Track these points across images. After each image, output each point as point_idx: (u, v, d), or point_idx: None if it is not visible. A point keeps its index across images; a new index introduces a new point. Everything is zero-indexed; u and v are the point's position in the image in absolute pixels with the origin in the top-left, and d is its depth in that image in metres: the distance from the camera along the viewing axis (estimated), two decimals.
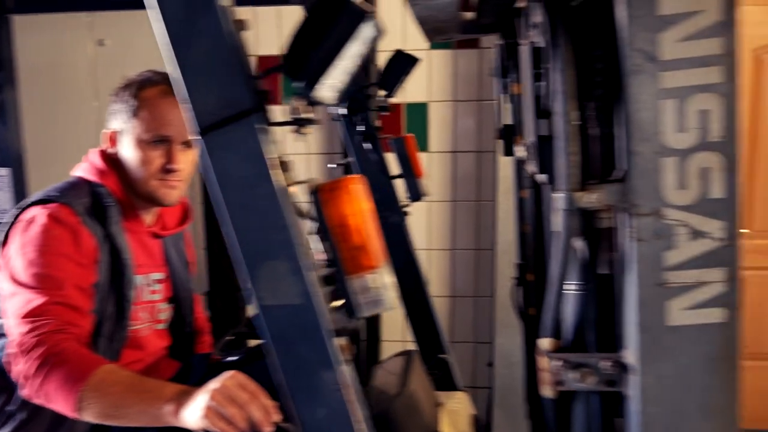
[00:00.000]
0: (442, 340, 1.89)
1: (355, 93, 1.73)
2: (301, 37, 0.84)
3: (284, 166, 0.91)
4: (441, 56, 3.13)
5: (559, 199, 1.05)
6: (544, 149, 1.08)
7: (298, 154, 3.18)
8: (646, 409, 1.08)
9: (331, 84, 0.88)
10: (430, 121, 3.17)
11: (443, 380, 1.88)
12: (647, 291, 1.04)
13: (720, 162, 1.01)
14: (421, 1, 1.04)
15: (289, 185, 0.90)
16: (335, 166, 1.89)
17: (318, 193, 0.91)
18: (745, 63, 3.04)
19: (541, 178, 1.11)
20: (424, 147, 3.18)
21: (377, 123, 1.79)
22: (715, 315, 1.05)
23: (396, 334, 3.15)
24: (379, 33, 0.91)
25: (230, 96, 0.88)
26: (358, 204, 0.91)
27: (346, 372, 0.94)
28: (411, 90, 3.17)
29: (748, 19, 3.00)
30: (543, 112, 1.06)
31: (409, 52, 3.10)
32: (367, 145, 1.75)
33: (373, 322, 3.17)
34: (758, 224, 3.13)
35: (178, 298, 1.70)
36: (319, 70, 0.83)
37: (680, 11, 0.97)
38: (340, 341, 0.94)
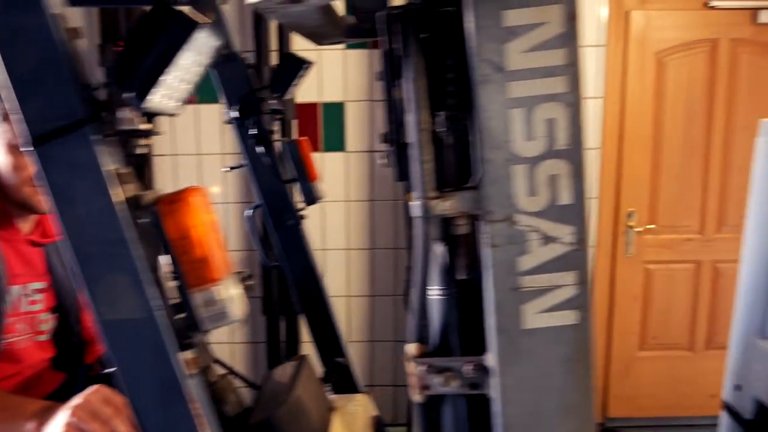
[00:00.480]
0: (341, 343, 1.89)
1: (247, 96, 1.71)
2: (131, 47, 0.82)
3: (123, 177, 0.89)
4: (357, 56, 3.13)
5: (414, 207, 1.06)
6: (402, 157, 1.09)
7: (212, 153, 3.14)
8: (506, 410, 1.10)
9: (168, 94, 0.86)
10: (347, 120, 3.17)
11: (343, 383, 1.88)
12: (503, 295, 1.06)
13: (567, 169, 1.03)
14: (279, 9, 1.03)
15: (128, 197, 0.88)
16: (228, 169, 1.87)
17: (158, 205, 0.89)
18: (649, 65, 3.15)
19: (402, 185, 1.12)
20: (341, 147, 3.19)
21: (271, 126, 1.77)
22: (568, 317, 1.07)
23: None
24: (223, 42, 0.90)
25: (62, 106, 0.85)
26: (200, 216, 0.90)
27: (193, 387, 0.93)
28: (327, 90, 3.17)
29: (651, 23, 3.11)
30: (399, 119, 1.07)
31: (326, 51, 3.10)
32: (260, 149, 1.73)
33: (293, 325, 3.16)
34: (662, 220, 3.24)
35: (63, 308, 1.65)
36: (149, 80, 0.81)
37: (525, 23, 0.99)
38: (187, 355, 0.93)
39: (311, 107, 3.16)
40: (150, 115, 0.86)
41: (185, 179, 3.18)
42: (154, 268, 0.91)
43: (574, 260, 1.06)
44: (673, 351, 3.38)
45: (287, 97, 1.77)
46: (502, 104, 1.01)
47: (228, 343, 3.30)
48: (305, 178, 1.78)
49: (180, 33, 0.82)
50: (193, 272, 0.90)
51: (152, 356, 0.90)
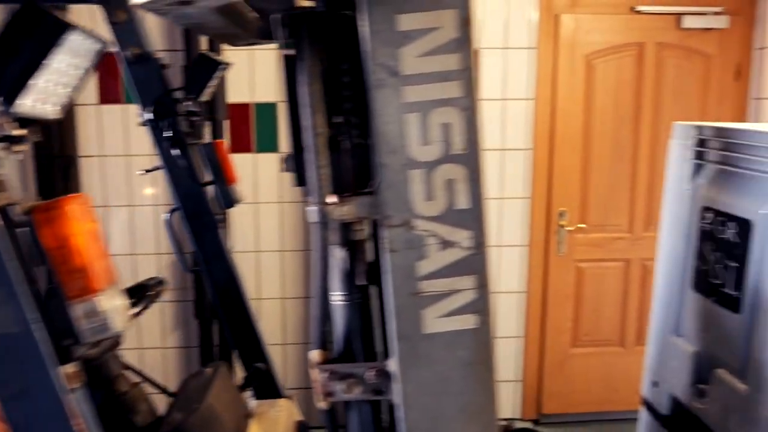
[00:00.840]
0: (262, 347, 1.87)
1: (161, 97, 1.67)
2: None
3: None
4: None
5: (311, 212, 1.05)
6: (300, 162, 1.07)
7: (141, 155, 3.06)
8: (408, 415, 1.10)
9: (42, 98, 0.83)
10: (281, 121, 3.13)
11: (266, 389, 1.85)
12: (402, 300, 1.06)
13: (464, 173, 1.03)
14: (170, 10, 1.00)
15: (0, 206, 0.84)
16: (143, 172, 1.82)
17: (33, 214, 0.86)
18: (579, 68, 3.20)
19: (302, 190, 1.10)
20: (274, 148, 3.15)
21: (187, 128, 1.73)
22: (468, 321, 1.08)
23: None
24: (104, 45, 0.87)
25: None
26: (79, 225, 0.86)
27: (76, 401, 0.90)
28: (260, 90, 3.12)
29: (580, 27, 3.17)
30: (296, 124, 1.05)
31: (259, 51, 3.06)
32: (176, 151, 1.69)
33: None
34: (593, 220, 3.31)
35: None
36: (17, 85, 0.78)
37: (419, 27, 0.99)
38: (68, 369, 0.89)
39: (243, 108, 3.11)
40: (25, 121, 0.82)
41: (113, 181, 3.09)
42: (31, 279, 0.87)
43: (473, 264, 1.07)
44: (605, 347, 3.45)
45: (203, 98, 1.73)
46: (398, 108, 1.01)
47: (160, 348, 3.23)
48: (222, 180, 1.74)
49: (50, 35, 0.78)
50: (72, 283, 0.86)
51: (29, 371, 0.86)
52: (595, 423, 3.49)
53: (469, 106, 1.01)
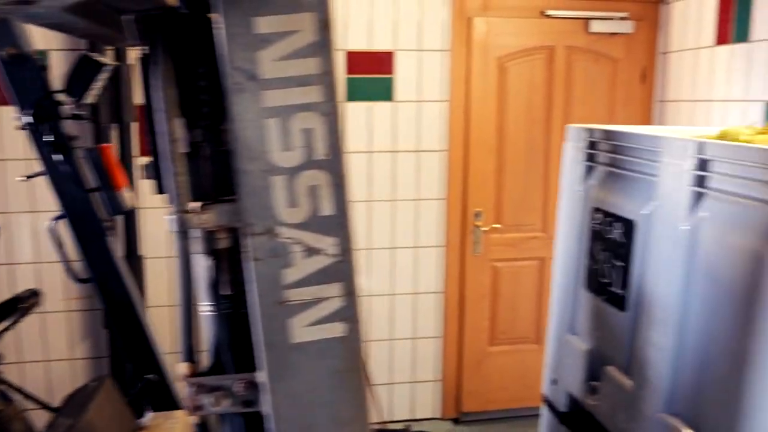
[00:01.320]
0: (157, 358, 1.81)
1: (41, 100, 1.59)
2: None
3: None
4: None
5: (171, 221, 1.01)
6: (159, 169, 1.03)
7: (16, 159, 2.92)
8: (279, 426, 1.07)
9: None
10: None
11: (162, 400, 1.79)
12: (269, 309, 1.03)
13: (327, 179, 1.01)
14: (15, 10, 0.95)
15: None
16: (24, 178, 1.73)
17: None
18: (492, 70, 3.24)
19: (163, 198, 1.06)
20: None
21: (70, 131, 1.65)
22: (336, 330, 1.06)
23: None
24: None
25: None
26: None
27: None
28: None
29: (493, 29, 3.20)
30: (153, 130, 1.01)
31: None
32: (58, 156, 1.61)
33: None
34: (507, 220, 3.35)
35: None
36: None
37: (277, 30, 0.97)
38: None
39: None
40: None
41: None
42: None
43: (339, 272, 1.05)
44: (521, 345, 3.51)
45: (87, 100, 1.66)
46: (257, 114, 0.98)
47: (68, 359, 3.10)
48: (109, 186, 1.67)
49: None
50: None
51: None
52: (513, 419, 3.54)
53: (330, 111, 0.99)
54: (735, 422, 1.27)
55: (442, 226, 3.33)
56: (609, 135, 1.72)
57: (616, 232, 1.66)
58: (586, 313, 1.83)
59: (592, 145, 1.79)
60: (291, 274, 1.03)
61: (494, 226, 3.35)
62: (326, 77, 0.99)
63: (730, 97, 2.91)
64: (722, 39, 2.94)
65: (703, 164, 1.37)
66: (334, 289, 1.04)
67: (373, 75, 3.17)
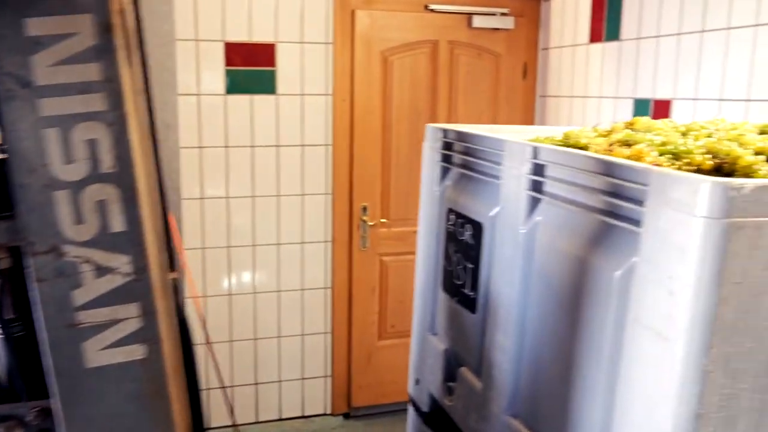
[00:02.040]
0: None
1: None
2: None
3: None
4: None
5: None
6: None
7: None
8: None
9: None
10: None
11: None
12: (58, 333, 0.96)
13: (116, 194, 0.94)
14: None
15: None
16: None
17: None
18: (376, 64, 3.21)
19: None
20: None
21: None
22: (134, 352, 0.99)
23: None
24: None
25: None
26: None
27: None
28: None
29: (376, 23, 3.17)
30: None
31: None
32: None
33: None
34: (394, 214, 3.35)
35: None
36: None
37: (51, 33, 0.88)
38: None
39: None
40: None
41: None
42: None
43: (135, 291, 0.98)
44: (410, 338, 3.53)
45: None
46: (34, 123, 0.90)
47: None
48: None
49: None
50: None
51: None
52: (404, 412, 3.56)
53: (116, 120, 0.92)
54: (566, 424, 1.29)
55: (328, 221, 3.29)
56: (461, 136, 1.71)
57: (467, 234, 1.66)
58: (443, 313, 1.83)
59: (447, 145, 1.78)
60: (81, 295, 0.95)
61: (381, 220, 3.34)
62: (110, 84, 0.91)
63: (603, 94, 3.00)
64: (596, 37, 3.02)
65: (538, 168, 1.38)
66: (130, 310, 0.98)
67: (253, 67, 3.08)
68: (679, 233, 0.99)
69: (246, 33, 3.04)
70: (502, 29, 3.32)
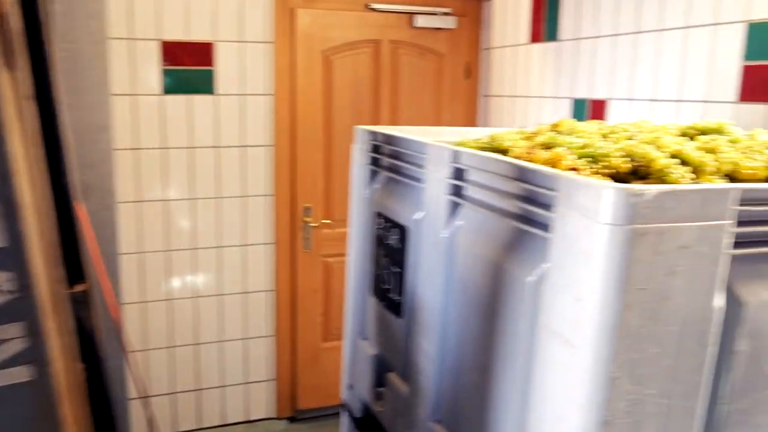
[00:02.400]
0: None
1: None
2: None
3: None
4: None
5: None
6: None
7: None
8: None
9: None
10: None
11: None
12: None
13: None
14: None
15: None
16: None
17: None
18: (317, 63, 3.17)
19: None
20: None
21: None
22: (20, 374, 0.94)
23: None
24: None
25: None
26: None
27: None
28: None
29: (317, 22, 3.12)
30: None
31: None
32: None
33: None
34: (337, 215, 3.31)
35: None
36: None
37: None
38: None
39: None
40: None
41: None
42: None
43: (19, 310, 0.93)
44: None
45: None
46: None
47: None
48: None
49: None
50: None
51: None
52: None
53: None
54: (485, 431, 1.28)
55: (270, 223, 3.24)
56: (388, 139, 1.69)
57: (393, 238, 1.64)
58: (372, 318, 1.80)
59: (375, 148, 1.76)
60: None
61: (324, 221, 3.30)
62: None
63: (543, 94, 3.01)
64: (536, 37, 3.03)
65: (458, 173, 1.36)
66: (13, 330, 0.92)
67: (191, 67, 3.00)
68: (585, 239, 0.98)
69: (183, 32, 2.96)
70: (444, 29, 3.31)
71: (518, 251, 1.17)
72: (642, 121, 1.83)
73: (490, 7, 3.36)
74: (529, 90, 3.10)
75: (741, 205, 1.01)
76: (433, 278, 1.44)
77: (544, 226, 1.09)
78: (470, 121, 3.47)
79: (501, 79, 3.32)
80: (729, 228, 1.01)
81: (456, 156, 1.36)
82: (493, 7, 3.33)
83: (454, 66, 3.39)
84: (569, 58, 2.83)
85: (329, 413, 3.52)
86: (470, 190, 1.33)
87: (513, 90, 3.22)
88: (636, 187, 0.94)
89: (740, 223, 1.02)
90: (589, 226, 0.98)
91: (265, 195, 3.20)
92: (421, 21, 3.26)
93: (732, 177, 1.33)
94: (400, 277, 1.61)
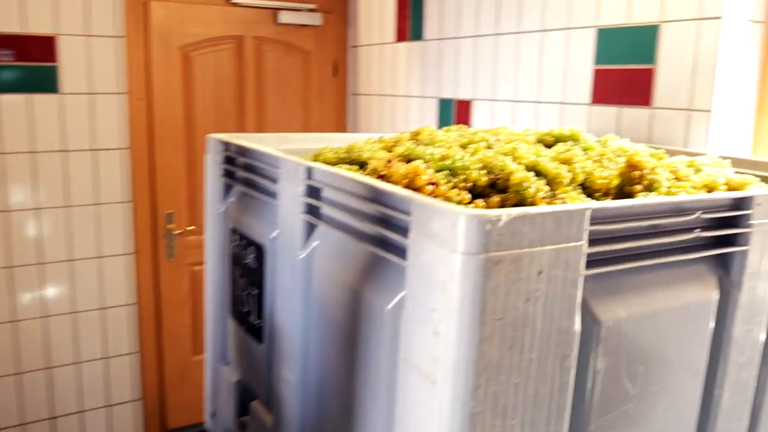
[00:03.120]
0: None
1: None
2: None
3: None
4: None
5: None
6: None
7: None
8: None
9: None
10: None
11: None
12: None
13: None
14: None
15: None
16: None
17: None
18: (175, 60, 2.96)
19: None
20: None
21: None
22: None
23: None
24: None
25: None
26: None
27: None
28: None
29: (173, 16, 2.90)
30: None
31: None
32: None
33: None
34: (202, 221, 3.12)
35: None
36: None
37: None
38: None
39: None
40: None
41: None
42: None
43: None
44: None
45: None
46: None
47: None
48: None
49: None
50: None
51: None
52: None
53: None
54: None
55: (129, 231, 3.00)
56: (242, 150, 1.56)
57: (250, 257, 1.52)
58: (233, 342, 1.68)
59: (229, 159, 1.62)
60: None
61: (188, 228, 3.11)
62: None
63: (410, 93, 2.98)
64: (401, 36, 2.99)
65: (312, 191, 1.26)
66: None
67: (31, 63, 2.71)
68: (440, 268, 0.91)
69: (18, 23, 2.66)
70: (310, 25, 3.20)
71: (376, 278, 1.09)
72: (502, 127, 1.81)
73: (356, 3, 3.28)
74: (397, 89, 3.06)
75: (592, 224, 0.98)
76: (292, 302, 1.33)
77: (401, 252, 1.02)
78: (340, 120, 3.39)
79: (369, 77, 3.25)
80: (584, 249, 0.98)
81: (310, 172, 1.26)
82: (359, 3, 3.25)
83: (321, 64, 3.28)
84: (434, 57, 2.80)
85: (201, 430, 3.34)
86: (326, 209, 1.24)
87: (381, 89, 3.16)
88: (490, 213, 0.89)
89: (592, 242, 0.99)
90: (443, 256, 0.91)
91: (122, 202, 2.96)
92: (285, 17, 3.13)
93: (586, 187, 1.32)
94: (259, 299, 1.50)
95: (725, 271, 1.23)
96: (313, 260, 1.28)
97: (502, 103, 2.48)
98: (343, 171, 1.20)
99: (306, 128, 3.24)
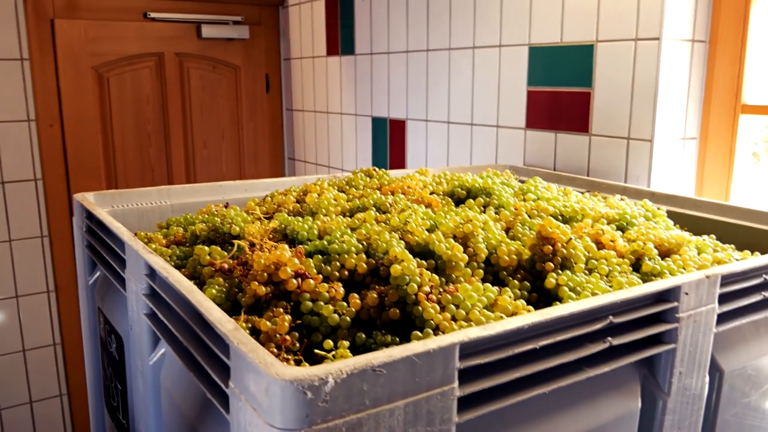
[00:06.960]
0: None
1: None
2: None
3: None
4: None
5: None
6: None
7: None
8: None
9: None
10: None
11: None
12: None
13: None
14: None
15: None
16: None
17: None
18: (89, 82, 2.68)
19: None
20: None
21: None
22: None
23: None
24: None
25: None
26: None
27: None
28: None
29: (84, 34, 2.60)
30: None
31: None
32: None
33: None
34: None
35: None
36: None
37: None
38: None
39: None
40: None
41: None
42: None
43: None
44: None
45: None
46: None
47: None
48: None
49: None
50: None
51: None
52: None
53: None
54: None
55: (48, 268, 2.73)
56: (98, 223, 1.30)
57: (114, 347, 1.27)
58: None
59: (91, 230, 1.37)
60: None
61: None
62: None
63: (345, 110, 2.72)
64: (333, 50, 2.73)
65: (153, 291, 1.02)
66: None
67: None
68: None
69: None
70: (237, 39, 2.92)
71: (210, 422, 0.86)
72: (420, 170, 1.58)
73: (286, 15, 3.00)
74: (333, 105, 2.80)
75: (466, 358, 0.75)
76: (146, 415, 1.09)
77: (226, 401, 0.78)
78: (276, 138, 3.13)
79: (303, 92, 2.99)
80: (455, 392, 0.74)
81: (150, 268, 1.01)
82: (290, 15, 2.98)
83: (252, 79, 3.01)
84: (366, 74, 2.55)
85: None
86: (167, 318, 1.00)
87: (316, 105, 2.91)
88: (312, 374, 0.65)
89: (466, 381, 0.76)
90: (260, 427, 0.67)
91: (39, 236, 2.69)
92: (208, 31, 2.84)
93: (491, 263, 1.10)
94: (123, 396, 1.26)
95: (650, 371, 1.00)
96: (161, 371, 1.04)
97: (436, 124, 2.24)
98: (177, 274, 0.95)
99: (238, 148, 2.98)
